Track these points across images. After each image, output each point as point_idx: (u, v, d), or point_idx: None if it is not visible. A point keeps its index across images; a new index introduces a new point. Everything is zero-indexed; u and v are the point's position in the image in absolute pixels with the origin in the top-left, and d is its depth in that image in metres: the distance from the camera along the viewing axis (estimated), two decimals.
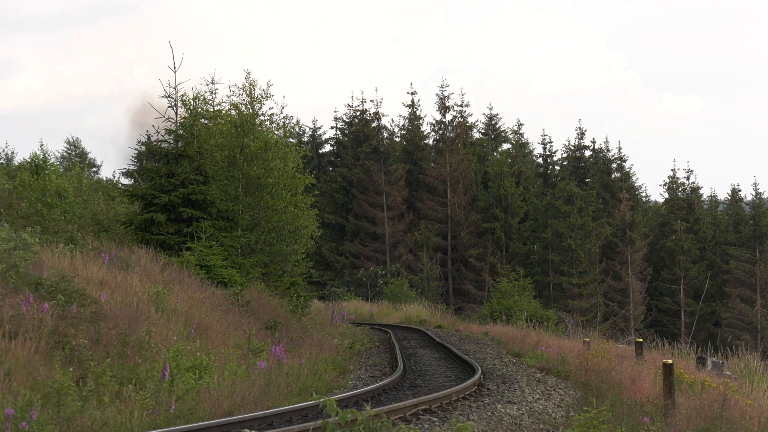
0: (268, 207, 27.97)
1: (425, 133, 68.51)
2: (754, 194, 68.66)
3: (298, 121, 71.55)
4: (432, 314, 39.91)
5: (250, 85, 29.34)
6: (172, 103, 25.02)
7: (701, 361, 20.57)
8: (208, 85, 31.05)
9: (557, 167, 71.78)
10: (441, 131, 66.46)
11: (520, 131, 73.91)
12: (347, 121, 69.51)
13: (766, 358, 25.37)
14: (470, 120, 69.33)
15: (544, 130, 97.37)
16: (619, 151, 69.54)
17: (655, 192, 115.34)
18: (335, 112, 75.09)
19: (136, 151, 38.33)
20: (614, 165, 68.95)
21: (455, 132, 65.78)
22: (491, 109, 76.96)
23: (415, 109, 68.13)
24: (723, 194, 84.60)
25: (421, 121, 68.35)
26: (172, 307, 16.22)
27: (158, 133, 25.58)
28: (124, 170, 56.01)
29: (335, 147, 70.65)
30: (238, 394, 12.23)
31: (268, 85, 30.59)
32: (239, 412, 11.59)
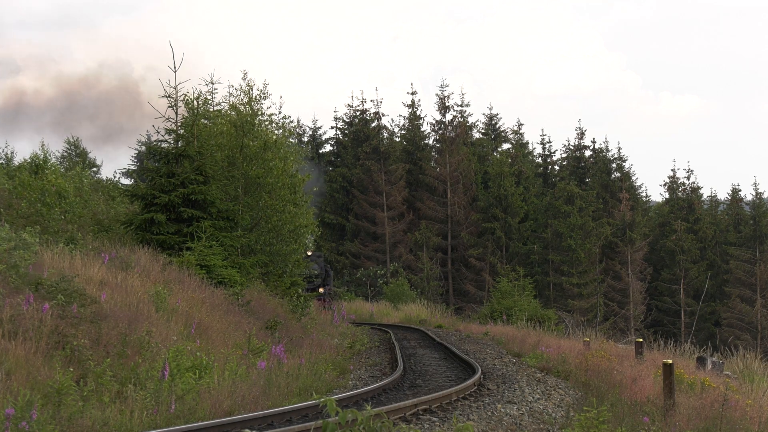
0: (267, 207, 27.97)
1: (425, 133, 68.54)
2: (754, 194, 68.69)
3: (298, 121, 71.71)
4: (432, 314, 39.90)
5: (248, 85, 29.38)
6: (172, 103, 25.00)
7: (701, 361, 20.56)
8: (207, 85, 31.09)
9: (557, 167, 71.79)
10: (441, 131, 66.46)
11: (520, 131, 73.98)
12: (347, 121, 69.53)
13: (766, 358, 25.37)
14: (470, 120, 69.42)
15: (543, 130, 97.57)
16: (618, 151, 69.60)
17: (655, 192, 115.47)
18: (335, 112, 75.22)
19: (136, 151, 38.36)
20: (614, 165, 68.94)
21: (455, 132, 65.78)
22: (491, 109, 77.13)
23: (415, 109, 68.18)
24: (723, 194, 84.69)
25: (421, 121, 68.40)
26: (172, 307, 16.21)
27: (158, 133, 25.58)
28: (125, 170, 56.07)
29: (335, 147, 70.65)
30: (238, 394, 12.22)
31: (265, 85, 30.59)
32: (239, 411, 11.59)
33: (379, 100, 71.36)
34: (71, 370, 10.77)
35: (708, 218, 70.70)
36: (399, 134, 69.30)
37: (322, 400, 6.34)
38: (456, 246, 63.69)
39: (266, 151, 27.82)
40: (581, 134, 70.89)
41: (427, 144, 68.45)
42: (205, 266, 21.54)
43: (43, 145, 59.93)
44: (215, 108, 30.27)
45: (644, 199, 75.56)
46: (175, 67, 25.07)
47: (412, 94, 69.11)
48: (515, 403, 13.99)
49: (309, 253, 39.70)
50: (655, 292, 66.84)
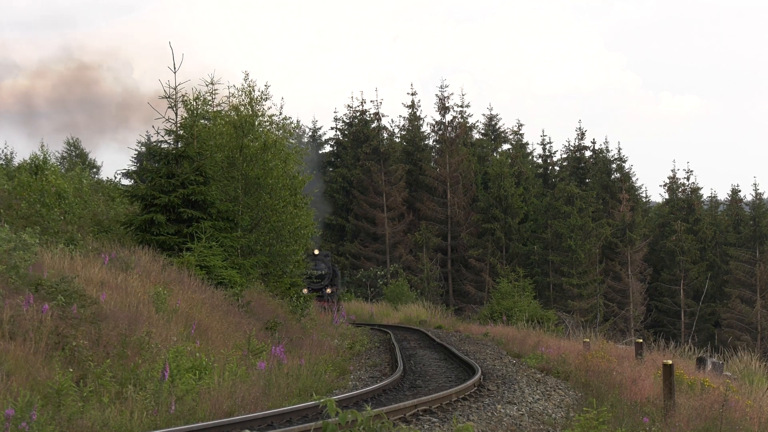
0: (267, 207, 27.97)
1: (425, 134, 68.52)
2: (754, 195, 68.67)
3: (298, 121, 71.69)
4: (432, 315, 39.90)
5: (249, 86, 29.37)
6: (172, 104, 24.98)
7: (701, 362, 20.56)
8: (207, 85, 31.05)
9: (557, 168, 71.77)
10: (441, 132, 66.44)
11: (520, 132, 73.94)
12: (347, 121, 69.50)
13: (766, 359, 25.36)
14: (470, 120, 69.37)
15: (543, 131, 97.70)
16: (618, 151, 69.57)
17: (655, 192, 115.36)
18: (335, 112, 75.14)
19: (136, 152, 38.36)
20: (614, 165, 68.91)
21: (455, 132, 65.77)
22: (491, 109, 76.99)
23: (415, 110, 68.16)
24: (723, 195, 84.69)
25: (421, 122, 68.38)
26: (172, 307, 16.21)
27: (158, 133, 25.57)
28: (125, 171, 56.08)
29: (335, 147, 70.64)
30: (238, 394, 12.22)
31: (267, 87, 30.60)
32: (239, 412, 11.59)
33: (379, 101, 71.34)
34: (71, 370, 10.77)
35: (708, 219, 70.69)
36: (399, 135, 69.30)
37: (322, 400, 6.34)
38: (456, 247, 63.68)
39: (266, 152, 27.83)
40: (581, 135, 70.87)
41: (427, 145, 68.41)
42: (205, 267, 21.54)
43: (42, 145, 59.91)
44: (215, 108, 30.27)
45: (644, 199, 75.56)
46: (174, 68, 25.05)
47: (412, 94, 69.16)
48: (515, 404, 14.00)
49: (316, 252, 39.52)
50: (655, 292, 66.83)
